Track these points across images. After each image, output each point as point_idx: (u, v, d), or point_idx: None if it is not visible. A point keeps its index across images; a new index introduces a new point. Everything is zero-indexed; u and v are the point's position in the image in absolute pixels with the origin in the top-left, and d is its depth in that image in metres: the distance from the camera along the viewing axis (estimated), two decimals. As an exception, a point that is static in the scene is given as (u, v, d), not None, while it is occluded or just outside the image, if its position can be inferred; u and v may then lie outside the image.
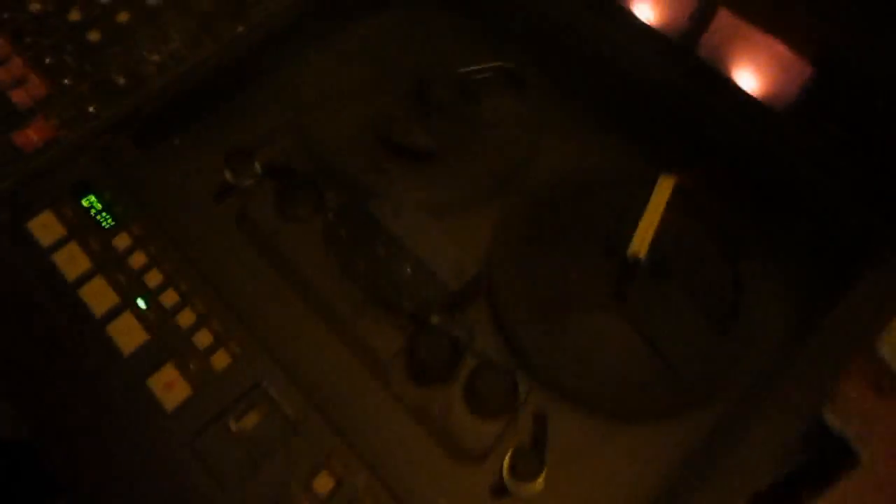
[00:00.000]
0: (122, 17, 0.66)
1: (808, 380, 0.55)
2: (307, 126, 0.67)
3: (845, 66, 0.56)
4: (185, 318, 0.55)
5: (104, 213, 0.59)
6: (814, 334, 0.56)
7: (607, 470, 0.55)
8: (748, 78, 0.61)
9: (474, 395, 0.55)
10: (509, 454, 0.53)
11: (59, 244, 0.58)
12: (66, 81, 0.64)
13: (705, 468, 0.51)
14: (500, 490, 0.54)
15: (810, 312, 0.59)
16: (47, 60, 0.65)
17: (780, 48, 0.58)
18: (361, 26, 0.73)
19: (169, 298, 0.56)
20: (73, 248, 0.58)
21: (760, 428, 0.53)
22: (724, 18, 0.60)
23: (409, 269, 0.58)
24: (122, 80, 0.64)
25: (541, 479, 0.52)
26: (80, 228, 0.59)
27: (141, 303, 0.56)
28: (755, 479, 0.53)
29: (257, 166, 0.64)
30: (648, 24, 0.65)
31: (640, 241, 0.61)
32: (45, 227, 0.59)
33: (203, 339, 0.55)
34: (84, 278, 0.57)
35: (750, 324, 0.60)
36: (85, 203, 0.60)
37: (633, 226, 0.62)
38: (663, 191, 0.62)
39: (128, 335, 0.55)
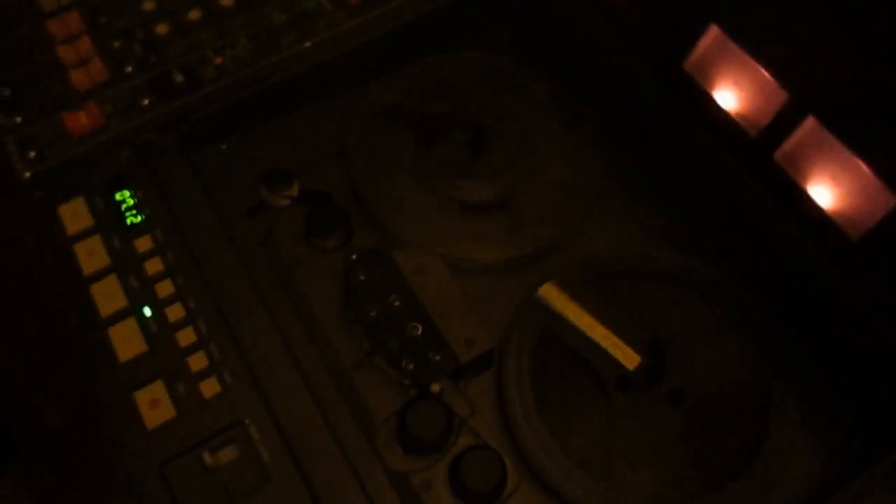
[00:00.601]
0: (194, 14, 0.65)
1: None
2: (353, 156, 0.65)
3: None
4: (186, 337, 0.54)
5: (133, 211, 0.59)
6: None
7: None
8: (824, 194, 0.56)
9: (458, 478, 0.52)
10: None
11: (83, 234, 0.58)
12: (127, 69, 0.64)
13: None
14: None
15: (839, 471, 0.53)
16: (116, 44, 0.65)
17: (866, 171, 0.53)
18: (429, 61, 0.70)
19: (174, 313, 0.55)
20: (95, 241, 0.58)
21: None
22: (810, 127, 0.55)
23: (419, 331, 0.55)
24: (179, 78, 0.63)
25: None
26: (107, 222, 0.58)
27: (147, 311, 0.55)
28: None
29: (295, 189, 0.63)
30: (731, 113, 0.60)
31: (623, 356, 0.57)
32: (74, 213, 0.59)
33: (198, 362, 0.53)
34: (99, 275, 0.56)
35: (771, 466, 0.55)
36: (118, 197, 0.60)
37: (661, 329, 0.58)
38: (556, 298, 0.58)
39: (127, 342, 0.54)
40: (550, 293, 0.59)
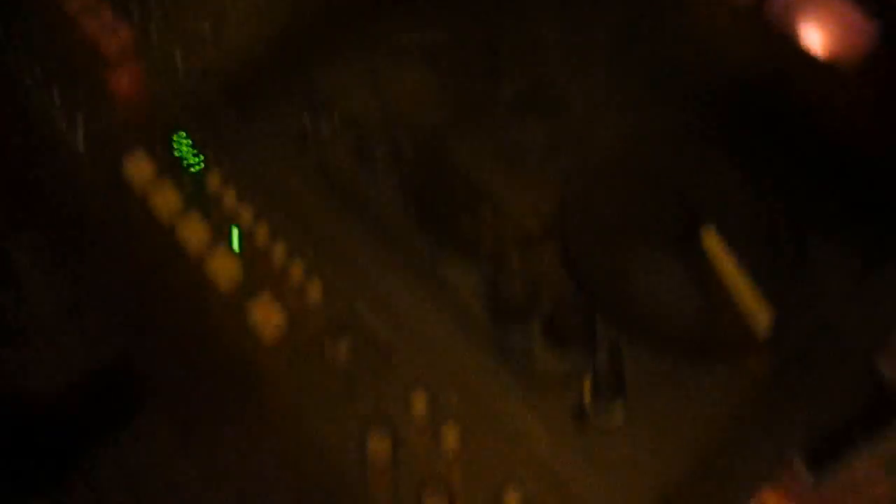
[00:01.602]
0: (208, -31, 0.68)
1: (864, 328, 0.57)
2: (385, 82, 0.69)
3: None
4: (278, 252, 0.58)
5: (193, 154, 0.62)
6: (871, 286, 0.59)
7: (675, 403, 0.58)
8: (814, 38, 0.63)
9: (553, 334, 0.58)
10: (590, 389, 0.55)
11: (152, 184, 0.61)
12: (152, 29, 0.66)
13: (768, 411, 0.54)
14: (580, 424, 0.56)
15: (872, 266, 0.61)
16: (135, 10, 0.67)
17: (845, 9, 0.60)
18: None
19: (260, 236, 0.58)
20: (166, 187, 0.60)
21: (819, 372, 0.55)
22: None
23: (488, 210, 0.60)
24: (207, 29, 0.66)
25: (620, 406, 0.55)
26: (172, 169, 0.61)
27: (235, 239, 0.58)
28: (814, 420, 0.55)
29: (336, 118, 0.67)
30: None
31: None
32: (138, 166, 0.61)
33: (295, 272, 0.57)
34: (178, 216, 0.59)
35: (813, 274, 0.62)
36: (175, 146, 0.62)
37: (695, 174, 0.64)
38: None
39: (223, 269, 0.57)
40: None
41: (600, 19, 0.73)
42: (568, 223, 0.63)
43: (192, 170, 0.62)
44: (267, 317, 0.55)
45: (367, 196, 0.64)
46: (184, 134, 0.63)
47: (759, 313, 0.58)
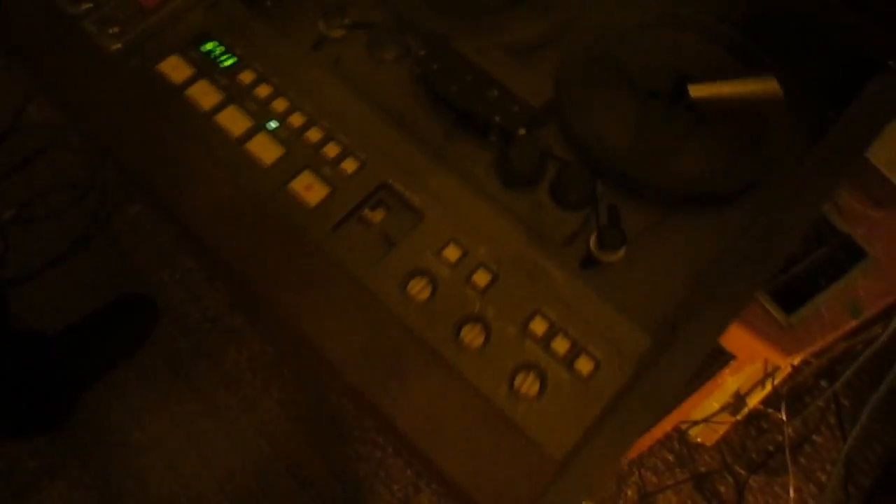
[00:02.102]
0: None
1: (818, 175, 0.67)
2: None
3: None
4: (314, 135, 0.64)
5: (225, 55, 0.68)
6: (822, 141, 0.68)
7: (668, 248, 0.67)
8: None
9: (560, 191, 0.66)
10: (595, 233, 0.64)
11: (189, 81, 0.66)
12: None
13: (740, 253, 0.62)
14: (587, 263, 0.65)
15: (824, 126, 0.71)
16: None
17: None
18: None
19: (296, 120, 0.65)
20: (203, 84, 0.66)
21: (781, 214, 0.64)
22: None
23: (496, 93, 0.68)
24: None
25: (622, 249, 0.63)
26: (206, 68, 0.67)
27: (272, 124, 0.65)
28: (782, 263, 0.64)
29: (347, 19, 0.73)
30: None
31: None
32: (174, 68, 0.67)
33: (331, 149, 0.64)
34: (218, 108, 0.65)
35: (776, 139, 0.71)
36: (206, 48, 0.68)
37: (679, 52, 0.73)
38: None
39: (265, 151, 0.63)
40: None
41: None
42: (566, 100, 0.71)
43: (225, 64, 0.67)
44: (309, 186, 0.62)
45: (383, 88, 0.70)
46: (213, 40, 0.68)
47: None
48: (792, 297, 0.76)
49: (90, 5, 0.69)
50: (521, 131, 0.67)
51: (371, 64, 0.72)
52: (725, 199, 0.69)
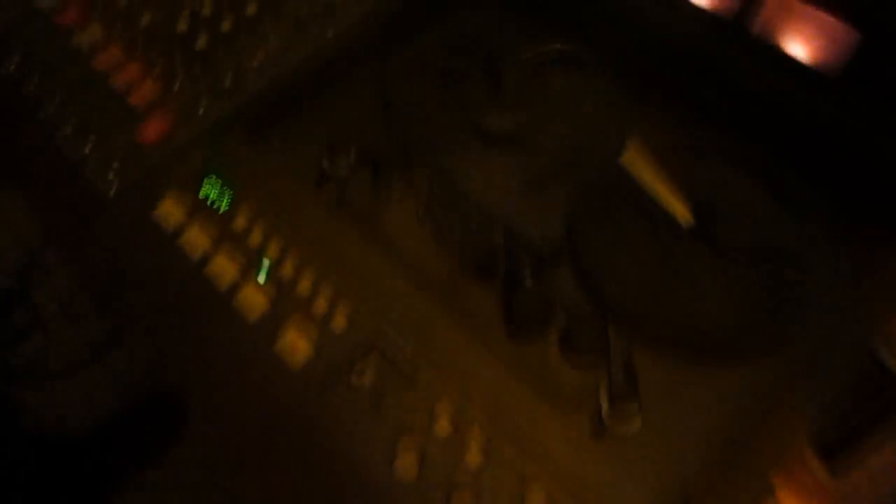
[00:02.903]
0: (225, 25, 0.72)
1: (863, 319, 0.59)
2: (395, 118, 0.73)
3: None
4: (304, 287, 0.61)
5: (221, 197, 0.65)
6: (866, 280, 0.61)
7: (690, 405, 0.60)
8: (798, 48, 0.66)
9: (569, 348, 0.60)
10: (606, 398, 0.58)
11: (181, 228, 0.64)
12: (176, 84, 0.71)
13: (777, 406, 0.56)
14: (598, 432, 0.59)
15: (866, 265, 0.63)
16: (157, 67, 0.72)
17: (827, 18, 0.64)
18: (437, 27, 0.79)
19: (285, 271, 0.62)
20: (194, 230, 0.64)
21: (824, 364, 0.57)
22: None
23: (502, 238, 0.63)
24: (228, 81, 0.70)
25: (636, 411, 0.57)
26: (201, 212, 0.65)
27: (261, 276, 0.62)
28: (823, 412, 0.57)
29: (352, 155, 0.70)
30: (702, 6, 0.70)
31: (678, 212, 0.66)
32: (168, 213, 0.65)
33: (321, 305, 0.60)
34: (208, 257, 0.63)
35: (812, 276, 0.64)
36: (203, 189, 0.66)
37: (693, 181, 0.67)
38: (636, 155, 0.68)
39: (251, 305, 0.60)
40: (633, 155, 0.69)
41: (596, 40, 0.77)
42: (576, 241, 0.66)
43: (220, 209, 0.65)
44: (294, 344, 0.58)
45: (387, 226, 0.67)
46: (212, 177, 0.66)
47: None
48: (833, 444, 0.67)
49: (91, 145, 0.68)
50: (528, 280, 0.62)
51: (375, 201, 0.69)
52: (759, 351, 0.62)
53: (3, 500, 1.13)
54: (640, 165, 0.67)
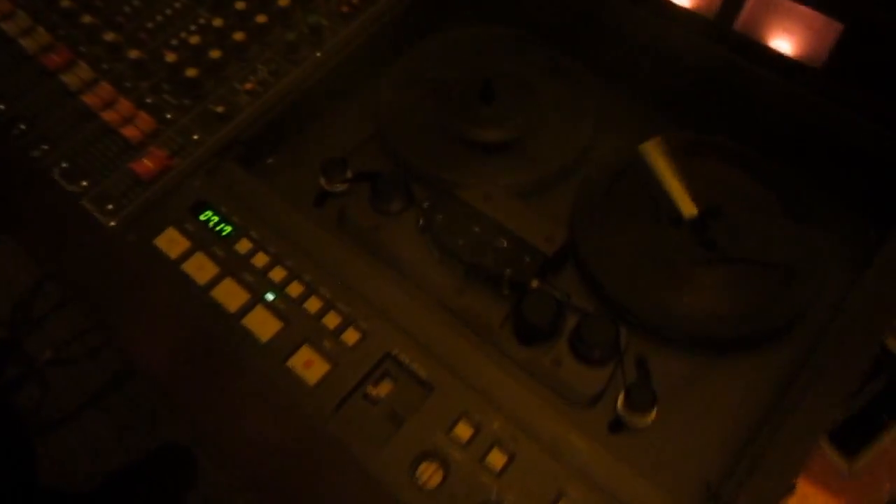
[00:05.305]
0: (214, 54, 0.73)
1: (874, 309, 0.60)
2: (389, 133, 0.74)
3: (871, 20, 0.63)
4: (313, 305, 0.61)
5: (222, 224, 0.66)
6: (874, 270, 0.62)
7: (705, 401, 0.60)
8: (784, 43, 0.68)
9: (581, 346, 0.61)
10: (623, 392, 0.58)
11: (186, 255, 0.64)
12: (168, 116, 0.71)
13: (792, 399, 0.56)
14: (616, 426, 0.59)
15: (871, 252, 0.64)
16: (148, 100, 0.72)
17: (810, 13, 0.65)
18: (424, 43, 0.80)
19: (294, 290, 0.62)
20: (199, 257, 0.64)
21: (837, 357, 0.58)
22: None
23: (505, 243, 0.64)
24: (220, 109, 0.70)
25: (653, 410, 0.57)
26: (203, 239, 0.65)
27: (270, 296, 0.61)
28: (839, 404, 0.57)
29: (349, 173, 0.71)
30: (685, 7, 0.72)
31: (684, 204, 0.67)
32: (170, 242, 0.65)
33: (331, 320, 0.60)
34: (214, 281, 0.63)
35: (818, 265, 0.65)
36: (203, 218, 0.66)
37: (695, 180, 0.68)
38: (658, 154, 0.69)
39: (263, 325, 0.60)
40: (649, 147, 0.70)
41: (589, 52, 0.79)
42: (582, 240, 0.66)
43: (223, 234, 0.65)
44: (309, 362, 0.58)
45: (389, 241, 0.67)
46: (212, 203, 0.66)
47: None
48: (852, 438, 0.68)
49: (87, 182, 0.68)
50: (534, 283, 0.63)
51: (375, 216, 0.69)
52: (767, 339, 0.63)
53: None
54: (656, 155, 0.68)
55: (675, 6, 0.72)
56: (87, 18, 0.77)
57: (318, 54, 0.74)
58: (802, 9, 0.66)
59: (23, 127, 0.71)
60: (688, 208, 0.66)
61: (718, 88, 0.72)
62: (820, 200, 0.68)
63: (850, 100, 0.66)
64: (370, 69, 0.76)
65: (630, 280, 0.64)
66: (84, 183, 0.68)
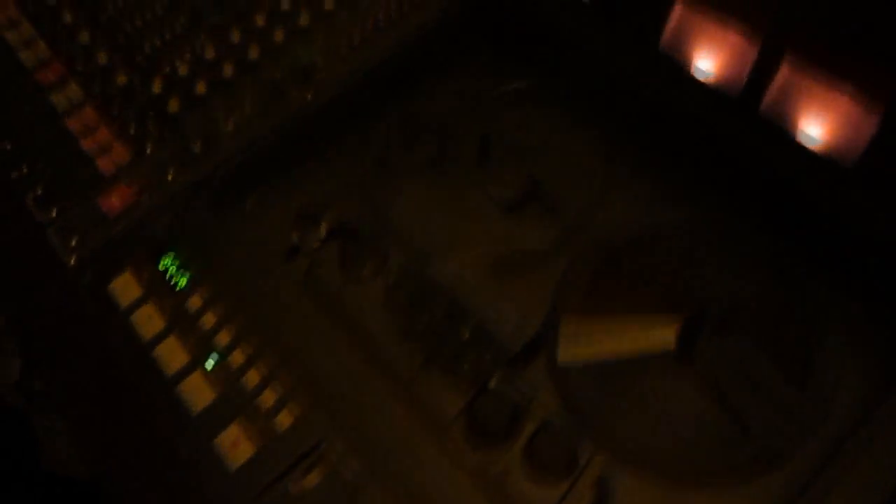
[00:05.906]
0: (200, 88, 0.69)
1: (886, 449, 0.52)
2: (370, 189, 0.69)
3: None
4: (253, 377, 0.57)
5: (179, 273, 0.62)
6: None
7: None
8: (814, 131, 0.59)
9: (533, 459, 0.55)
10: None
11: (135, 305, 0.61)
12: (147, 149, 0.68)
13: None
14: (560, 560, 0.53)
15: (885, 377, 0.56)
16: (132, 130, 0.69)
17: (846, 100, 0.57)
18: (417, 94, 0.75)
19: (236, 359, 0.58)
20: (149, 308, 0.61)
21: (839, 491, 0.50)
22: (787, 73, 0.59)
23: (467, 333, 0.58)
24: (198, 147, 0.67)
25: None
26: (156, 289, 0.62)
27: (210, 363, 0.58)
28: None
29: (323, 229, 0.66)
30: (709, 81, 0.64)
31: (658, 342, 0.59)
32: (123, 288, 0.62)
33: (268, 399, 0.56)
34: (158, 338, 0.59)
35: (822, 386, 0.57)
36: (161, 264, 0.63)
37: (695, 283, 0.61)
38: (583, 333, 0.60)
39: (197, 394, 0.57)
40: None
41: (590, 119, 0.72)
42: (556, 342, 0.60)
43: (178, 286, 0.62)
44: (235, 443, 0.55)
45: (354, 309, 0.62)
46: (172, 254, 0.63)
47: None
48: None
49: (56, 212, 0.66)
50: (493, 382, 0.57)
51: (345, 279, 0.64)
52: (768, 465, 0.55)
53: None
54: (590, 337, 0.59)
55: (699, 82, 0.64)
56: (84, 37, 0.74)
57: (308, 96, 0.69)
58: (839, 98, 0.57)
59: (8, 147, 0.70)
60: (665, 343, 0.58)
61: (739, 168, 0.64)
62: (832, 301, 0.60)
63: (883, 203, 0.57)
64: (359, 117, 0.71)
65: (601, 390, 0.58)
66: (53, 213, 0.66)
